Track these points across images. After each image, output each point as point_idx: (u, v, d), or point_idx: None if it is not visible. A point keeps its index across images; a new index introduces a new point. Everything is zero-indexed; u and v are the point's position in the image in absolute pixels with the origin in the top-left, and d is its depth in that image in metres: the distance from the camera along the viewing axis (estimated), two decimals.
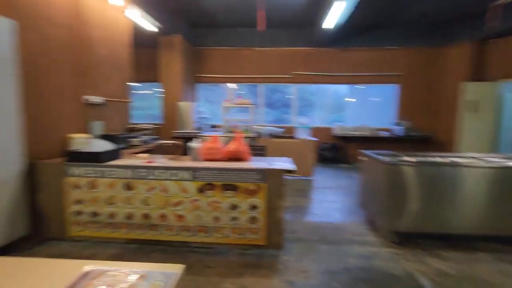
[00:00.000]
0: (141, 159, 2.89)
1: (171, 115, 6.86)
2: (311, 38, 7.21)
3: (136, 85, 8.56)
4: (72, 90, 3.21)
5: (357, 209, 3.74)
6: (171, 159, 2.96)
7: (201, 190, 2.51)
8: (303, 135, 5.71)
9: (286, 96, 8.13)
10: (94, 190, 2.60)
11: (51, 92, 2.91)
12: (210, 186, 2.50)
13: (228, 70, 7.68)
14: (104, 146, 2.75)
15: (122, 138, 3.72)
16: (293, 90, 7.77)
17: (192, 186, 2.51)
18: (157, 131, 7.38)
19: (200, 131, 6.36)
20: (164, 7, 5.98)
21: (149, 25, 5.56)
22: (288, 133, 6.43)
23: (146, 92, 8.46)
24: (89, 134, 3.44)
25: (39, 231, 2.73)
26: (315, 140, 5.59)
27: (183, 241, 2.59)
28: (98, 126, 3.61)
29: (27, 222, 2.65)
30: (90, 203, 2.62)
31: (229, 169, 2.49)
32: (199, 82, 7.97)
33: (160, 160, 2.77)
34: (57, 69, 2.97)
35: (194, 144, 2.88)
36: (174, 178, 2.51)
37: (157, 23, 5.66)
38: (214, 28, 7.53)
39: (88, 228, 2.66)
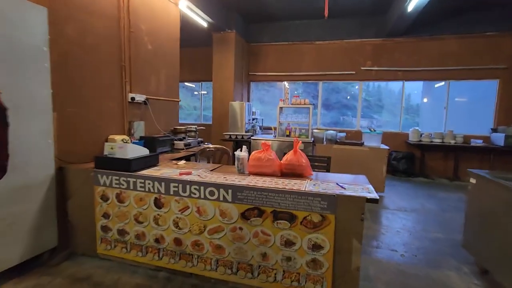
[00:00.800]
0: (179, 168, 2.41)
1: (222, 116, 6.49)
2: (383, 27, 6.11)
3: (188, 85, 8.50)
4: (114, 87, 2.91)
5: (457, 249, 2.71)
6: (213, 169, 2.41)
7: (245, 217, 1.89)
8: (371, 141, 4.73)
9: (348, 96, 7.13)
10: (122, 204, 2.19)
11: (89, 88, 2.62)
12: (258, 211, 1.86)
13: (284, 68, 7.02)
14: (138, 151, 2.34)
15: (165, 141, 3.34)
16: (357, 89, 6.73)
17: (234, 210, 1.91)
18: (206, 133, 7.13)
19: (251, 134, 5.83)
20: (217, 1, 5.60)
21: (201, 20, 5.21)
22: (352, 139, 5.48)
23: (200, 92, 8.31)
24: (129, 135, 3.13)
25: (67, 244, 2.45)
26: (385, 148, 4.57)
27: (220, 279, 2.00)
28: (140, 127, 3.29)
29: (55, 234, 2.37)
30: (118, 219, 2.22)
31: (284, 191, 1.82)
32: (253, 80, 7.48)
33: (199, 172, 2.24)
34: (97, 63, 2.68)
35: (240, 152, 2.29)
36: (212, 197, 1.95)
37: (209, 18, 5.29)
38: (269, 22, 6.95)
39: (116, 247, 2.27)
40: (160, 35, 3.61)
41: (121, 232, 2.23)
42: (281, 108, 5.24)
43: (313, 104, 5.35)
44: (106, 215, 2.26)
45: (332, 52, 6.60)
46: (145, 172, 2.21)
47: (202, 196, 1.96)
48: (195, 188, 1.98)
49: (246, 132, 5.85)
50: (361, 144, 4.68)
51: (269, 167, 2.20)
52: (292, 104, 5.08)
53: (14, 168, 2.02)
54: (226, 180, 2.04)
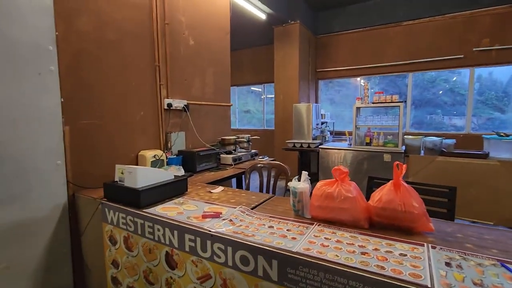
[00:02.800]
0: (210, 201, 1.68)
1: (286, 121, 5.66)
2: None
3: (255, 89, 7.95)
4: (145, 92, 2.40)
5: None
6: (258, 204, 1.59)
7: None
8: (502, 151, 3.20)
9: (440, 91, 5.39)
10: (131, 253, 1.56)
11: (111, 95, 2.13)
12: None
13: (360, 60, 5.78)
14: (155, 176, 1.69)
15: (209, 156, 2.70)
16: (454, 80, 4.99)
17: None
18: (268, 141, 6.38)
19: (320, 141, 4.83)
20: None
21: (257, 11, 4.51)
22: (461, 148, 3.94)
23: (263, 95, 7.67)
24: (166, 150, 2.57)
25: (83, 285, 1.97)
26: None
27: None
28: (179, 139, 2.72)
29: (70, 275, 1.91)
30: (127, 272, 1.61)
31: (382, 282, 0.86)
32: (321, 78, 6.44)
33: (235, 211, 1.45)
34: (121, 64, 2.19)
35: (297, 184, 1.41)
36: (245, 268, 1.12)
37: (267, 8, 4.54)
38: (341, 7, 5.83)
39: None
40: (205, 28, 3.01)
41: None
42: (358, 108, 4.10)
43: (403, 101, 4.04)
44: (115, 264, 1.67)
45: (428, 33, 5.07)
46: (159, 208, 1.54)
47: (230, 263, 1.16)
48: (219, 248, 1.19)
49: (313, 139, 4.87)
50: (485, 156, 3.20)
51: (347, 212, 1.26)
52: (373, 102, 3.90)
53: (12, 198, 1.61)
54: (272, 233, 1.19)
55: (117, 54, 2.15)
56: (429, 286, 0.81)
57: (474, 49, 4.68)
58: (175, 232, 1.33)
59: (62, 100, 1.83)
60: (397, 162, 1.24)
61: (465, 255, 1.00)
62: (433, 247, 1.05)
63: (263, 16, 4.73)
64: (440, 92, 5.47)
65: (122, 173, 1.67)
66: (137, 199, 1.52)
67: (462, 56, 4.78)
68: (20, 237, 1.66)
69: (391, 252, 1.02)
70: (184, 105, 2.71)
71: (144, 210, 1.49)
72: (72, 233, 1.90)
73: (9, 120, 1.59)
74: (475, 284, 0.83)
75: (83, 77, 1.96)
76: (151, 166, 2.25)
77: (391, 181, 1.24)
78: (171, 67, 2.60)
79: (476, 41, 4.67)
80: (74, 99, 1.90)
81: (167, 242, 1.37)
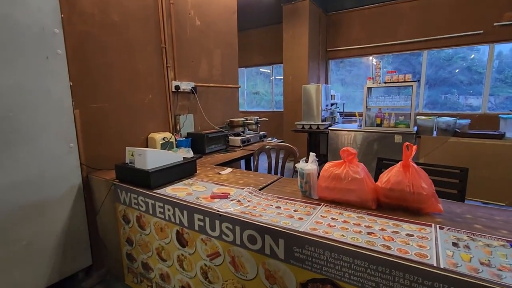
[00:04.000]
0: (219, 182, 1.70)
1: (295, 102, 5.58)
2: None
3: (264, 70, 7.82)
4: (152, 74, 2.39)
5: None
6: (266, 185, 1.61)
7: None
8: None
9: (457, 69, 5.14)
10: (144, 232, 1.62)
11: (119, 78, 2.14)
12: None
13: (373, 38, 5.55)
14: (165, 158, 1.72)
15: (217, 138, 2.71)
16: (472, 58, 4.75)
17: (288, 275, 1.08)
18: (277, 123, 6.34)
19: (329, 123, 4.77)
20: None
21: None
22: (477, 128, 3.82)
23: (271, 76, 7.54)
24: (175, 132, 2.60)
25: (102, 263, 2.08)
26: None
27: None
28: (188, 122, 2.74)
29: (88, 251, 2.02)
30: (141, 249, 1.68)
31: (388, 261, 0.87)
32: (332, 58, 6.24)
33: (243, 192, 1.47)
34: (127, 46, 2.17)
35: (305, 165, 1.41)
36: (252, 247, 1.15)
37: None
38: None
39: (142, 283, 1.75)
40: (211, 7, 2.93)
41: (145, 267, 1.68)
42: (369, 88, 3.99)
43: (417, 80, 3.90)
44: (129, 241, 1.75)
45: (445, 8, 4.78)
46: (169, 189, 1.57)
47: (238, 241, 1.19)
48: (227, 228, 1.22)
49: (322, 121, 4.81)
50: (501, 136, 3.10)
51: (355, 193, 1.26)
52: (385, 82, 3.78)
53: (28, 181, 1.67)
54: (279, 213, 1.21)
55: (122, 36, 2.14)
56: (435, 265, 0.82)
57: (495, 24, 4.40)
58: (185, 212, 1.37)
59: (71, 83, 1.85)
60: (407, 143, 1.22)
61: (474, 235, 0.99)
62: (441, 228, 1.05)
63: None
64: (457, 70, 5.24)
65: (132, 155, 1.70)
66: (147, 180, 1.56)
67: (481, 31, 4.52)
68: (38, 216, 1.74)
69: (397, 232, 1.03)
70: (192, 87, 2.70)
71: (154, 191, 1.53)
72: (87, 213, 1.98)
73: (19, 104, 1.61)
74: (482, 264, 0.83)
75: (90, 61, 1.96)
76: (161, 149, 2.28)
77: (400, 162, 1.22)
78: (177, 48, 2.57)
79: (497, 15, 4.38)
80: (82, 82, 1.92)
81: (177, 222, 1.41)
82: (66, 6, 1.79)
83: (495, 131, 3.24)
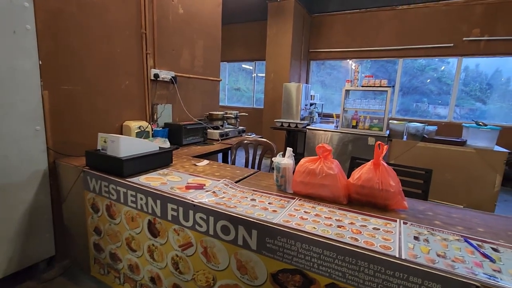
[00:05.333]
0: (194, 174, 1.68)
1: (275, 100, 5.63)
2: None
3: (246, 67, 7.79)
4: (130, 60, 2.30)
5: None
6: (241, 179, 1.62)
7: (278, 281, 1.07)
8: (478, 140, 3.34)
9: (428, 79, 5.45)
10: (113, 221, 1.57)
11: (94, 60, 2.04)
12: (302, 279, 1.02)
13: (353, 43, 5.73)
14: (139, 146, 1.67)
15: (195, 130, 2.67)
16: (442, 70, 5.06)
17: (259, 266, 1.10)
18: (257, 119, 6.36)
19: (308, 122, 4.87)
20: None
21: None
22: (443, 135, 4.08)
23: (253, 73, 7.54)
24: (152, 122, 2.53)
25: (66, 253, 1.99)
26: (502, 151, 3.16)
27: None
28: (166, 112, 2.67)
29: (51, 241, 1.92)
30: (109, 239, 1.62)
31: (355, 252, 0.92)
32: (314, 59, 6.36)
33: (218, 183, 1.47)
34: (105, 28, 2.08)
35: (281, 160, 1.43)
36: (225, 237, 1.16)
37: None
38: None
39: (109, 274, 1.70)
40: None
41: (113, 257, 1.63)
42: (347, 91, 4.12)
43: (392, 86, 4.08)
44: (97, 231, 1.68)
45: (421, 19, 5.04)
46: (143, 178, 1.53)
47: (211, 232, 1.19)
48: (201, 218, 1.21)
49: (301, 120, 4.90)
50: (463, 143, 3.33)
51: (328, 188, 1.30)
52: (363, 86, 3.92)
53: None
54: (254, 206, 1.22)
55: (101, 17, 2.04)
56: (397, 256, 0.87)
57: (464, 38, 4.71)
58: (158, 202, 1.34)
59: (40, 62, 1.74)
60: (379, 142, 1.28)
61: (433, 230, 1.06)
62: (405, 223, 1.12)
63: None
64: (428, 80, 5.55)
65: (105, 141, 1.64)
66: (120, 168, 1.51)
67: (452, 44, 4.82)
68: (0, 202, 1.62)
69: (365, 226, 1.08)
70: (172, 76, 2.64)
71: (127, 180, 1.48)
72: (53, 200, 1.88)
73: None
74: (438, 256, 0.89)
75: (63, 40, 1.85)
76: (136, 137, 2.21)
77: (371, 160, 1.28)
78: (158, 35, 2.49)
79: (467, 30, 4.70)
80: (54, 62, 1.81)
81: (150, 211, 1.38)
82: None
83: (458, 138, 3.47)
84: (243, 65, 7.77)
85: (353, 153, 3.88)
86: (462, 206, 3.18)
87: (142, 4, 2.30)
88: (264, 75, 6.14)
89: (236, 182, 1.53)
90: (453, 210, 1.30)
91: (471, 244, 0.97)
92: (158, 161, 1.75)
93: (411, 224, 1.11)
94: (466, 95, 5.27)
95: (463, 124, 3.65)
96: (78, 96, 1.97)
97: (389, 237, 1.00)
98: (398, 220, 1.14)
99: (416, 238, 1.00)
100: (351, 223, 1.09)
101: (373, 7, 5.41)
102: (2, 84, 1.57)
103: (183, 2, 2.72)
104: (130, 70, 2.30)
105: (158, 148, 1.80)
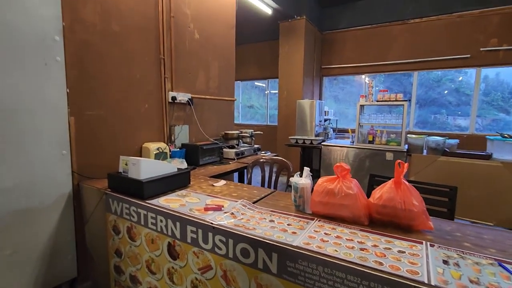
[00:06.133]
0: (212, 194, 1.70)
1: (289, 117, 5.66)
2: None
3: (259, 84, 7.93)
4: (149, 84, 2.41)
5: None
6: (259, 199, 1.61)
7: None
8: (505, 153, 3.19)
9: (445, 90, 5.32)
10: (134, 243, 1.59)
11: (115, 87, 2.15)
12: None
13: (365, 58, 5.74)
14: (159, 168, 1.71)
15: (212, 150, 2.72)
16: (460, 80, 4.94)
17: None
18: (271, 137, 6.38)
19: (323, 138, 4.83)
20: None
21: (264, 5, 4.48)
22: (465, 148, 3.93)
23: (266, 90, 7.65)
24: (169, 143, 2.60)
25: (88, 275, 2.01)
26: None
27: None
28: (183, 133, 2.74)
29: (74, 262, 1.95)
30: (130, 261, 1.64)
31: (382, 277, 0.88)
32: (326, 75, 6.40)
33: (236, 204, 1.47)
34: (126, 56, 2.20)
35: (299, 180, 1.43)
36: (245, 260, 1.15)
37: (273, 3, 4.51)
38: (348, 3, 5.77)
39: None
40: (210, 22, 3.01)
41: (133, 280, 1.64)
42: (362, 106, 4.09)
43: (408, 100, 4.02)
44: (118, 253, 1.71)
45: (434, 32, 5.01)
46: (162, 199, 1.56)
47: (231, 255, 1.18)
48: (220, 240, 1.21)
49: (316, 136, 4.87)
50: (488, 157, 3.19)
51: (348, 209, 1.27)
52: (378, 100, 3.88)
53: (18, 187, 1.63)
54: (273, 227, 1.21)
55: (122, 46, 2.16)
56: (426, 282, 0.83)
57: (481, 49, 4.62)
58: (178, 224, 1.35)
59: (68, 90, 1.85)
60: (399, 160, 1.25)
61: (463, 253, 1.01)
62: (432, 245, 1.07)
63: (269, 11, 4.70)
64: (446, 91, 5.42)
65: (126, 164, 1.69)
66: (140, 190, 1.55)
67: (469, 55, 4.73)
68: (25, 224, 1.69)
69: (389, 249, 1.04)
70: (189, 98, 2.73)
71: (147, 201, 1.51)
72: (76, 222, 1.93)
73: (15, 110, 1.60)
74: (471, 282, 0.84)
75: (88, 68, 1.97)
76: (155, 159, 2.27)
77: (392, 179, 1.25)
78: (176, 60, 2.61)
79: (484, 40, 4.61)
80: (79, 90, 1.92)
81: (170, 233, 1.39)
82: (68, 14, 1.82)
83: (482, 152, 3.34)
84: (256, 83, 7.92)
85: (371, 169, 3.80)
86: (492, 224, 3.01)
87: (161, 32, 2.43)
88: (277, 91, 6.22)
89: (253, 203, 1.53)
90: (484, 231, 1.23)
91: (506, 269, 0.91)
92: (176, 182, 1.78)
93: (439, 246, 1.06)
94: (488, 105, 5.09)
95: (487, 136, 3.51)
96: (100, 120, 2.06)
97: (416, 260, 0.95)
98: (424, 242, 1.09)
99: (445, 262, 0.96)
100: (374, 246, 1.06)
101: (384, 22, 5.44)
102: (33, 112, 1.68)
103: (199, 27, 2.85)
104: (149, 94, 2.40)
105: (176, 169, 1.83)
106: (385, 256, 0.98)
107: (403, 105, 3.68)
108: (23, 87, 1.63)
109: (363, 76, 6.02)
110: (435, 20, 4.97)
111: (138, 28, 2.27)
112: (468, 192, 3.12)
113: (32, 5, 1.64)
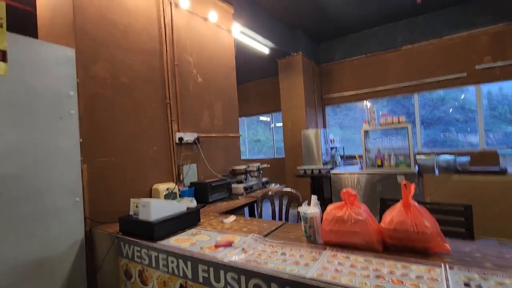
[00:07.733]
0: (222, 231, 1.69)
1: (295, 147, 5.70)
2: (502, 8, 4.48)
3: (264, 119, 8.14)
4: (157, 128, 2.52)
5: None
6: (270, 232, 1.59)
7: None
8: None
9: (450, 109, 5.34)
10: (145, 287, 1.56)
11: (124, 133, 2.26)
12: None
13: (364, 84, 5.91)
14: (169, 208, 1.73)
15: (220, 186, 2.74)
16: (462, 98, 4.98)
17: None
18: (279, 168, 6.38)
19: (331, 166, 4.81)
20: (278, 23, 5.14)
21: (261, 46, 4.78)
22: (477, 165, 3.84)
23: (271, 124, 7.82)
24: (178, 182, 2.64)
25: None
26: None
27: None
28: (191, 171, 2.79)
29: None
30: None
31: None
32: (328, 104, 6.56)
33: (247, 239, 1.45)
34: (134, 104, 2.34)
35: (308, 209, 1.42)
36: None
37: (270, 43, 4.81)
38: (340, 37, 6.11)
39: None
40: (212, 66, 3.22)
41: None
42: (366, 131, 4.12)
43: (411, 121, 4.05)
44: None
45: (428, 55, 5.19)
46: (173, 240, 1.56)
47: None
48: (232, 278, 1.19)
49: (324, 164, 4.86)
50: (503, 172, 3.10)
51: (359, 235, 1.25)
52: (381, 124, 3.92)
53: (32, 237, 1.67)
54: (284, 260, 1.19)
55: (130, 95, 2.32)
56: None
57: (476, 67, 4.73)
58: (189, 263, 1.34)
59: (81, 140, 1.95)
60: (405, 181, 1.25)
61: (485, 274, 0.97)
62: (451, 268, 1.03)
63: (266, 51, 5.00)
64: (450, 110, 5.44)
65: (136, 206, 1.72)
66: (151, 231, 1.56)
67: (465, 74, 4.83)
68: (39, 274, 1.68)
69: (407, 275, 1.00)
70: (195, 138, 2.82)
71: (158, 242, 1.51)
72: (88, 270, 1.91)
73: (31, 162, 1.69)
74: None
75: (99, 118, 2.10)
76: (165, 199, 2.30)
77: (400, 201, 1.24)
78: (181, 103, 2.75)
79: (478, 59, 4.74)
80: (91, 139, 2.03)
81: (181, 274, 1.37)
82: (81, 71, 1.99)
83: (496, 167, 3.25)
84: (261, 117, 8.12)
85: (383, 194, 3.72)
86: None
87: (166, 79, 2.60)
88: (281, 124, 6.35)
89: (264, 236, 1.51)
90: (505, 249, 1.18)
91: None
92: (186, 221, 1.79)
93: (459, 268, 1.02)
94: (496, 120, 5.05)
95: (499, 151, 3.45)
96: (111, 166, 2.14)
97: (436, 286, 0.92)
98: (442, 265, 1.05)
99: (467, 284, 0.91)
100: (391, 272, 1.02)
101: (378, 51, 5.68)
102: (48, 162, 1.77)
103: (201, 71, 3.04)
104: (156, 137, 2.50)
105: (185, 209, 1.85)
106: (402, 283, 0.95)
107: (407, 127, 3.70)
108: (41, 141, 1.74)
109: (365, 102, 6.14)
110: (427, 44, 5.18)
111: (145, 78, 2.45)
112: (489, 210, 2.99)
113: (52, 68, 1.81)
